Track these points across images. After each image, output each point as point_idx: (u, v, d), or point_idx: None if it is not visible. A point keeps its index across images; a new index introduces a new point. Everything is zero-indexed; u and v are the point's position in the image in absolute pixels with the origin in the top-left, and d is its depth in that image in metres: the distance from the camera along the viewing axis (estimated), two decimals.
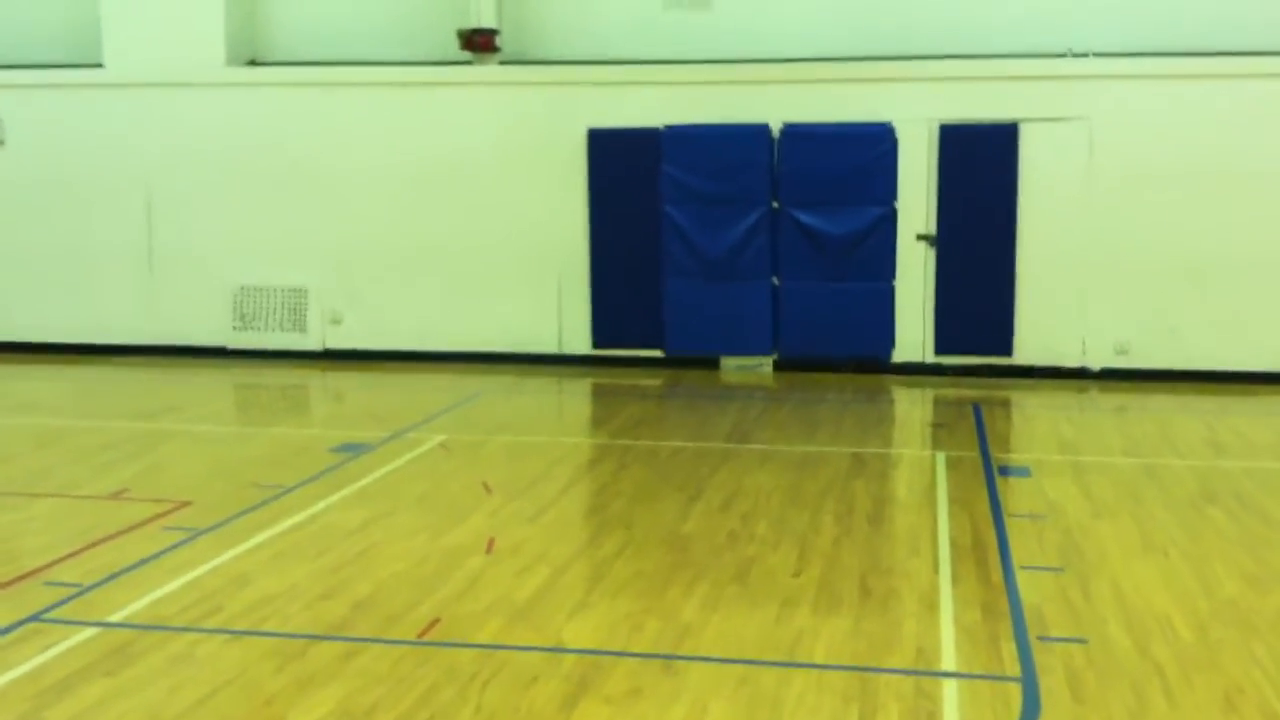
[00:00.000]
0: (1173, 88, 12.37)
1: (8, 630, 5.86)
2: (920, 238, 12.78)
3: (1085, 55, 12.62)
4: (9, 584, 6.50)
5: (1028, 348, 12.72)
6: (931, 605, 6.22)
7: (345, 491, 8.35)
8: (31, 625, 5.93)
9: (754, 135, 12.87)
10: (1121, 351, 12.59)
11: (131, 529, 7.45)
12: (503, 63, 13.47)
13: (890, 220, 12.74)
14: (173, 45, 13.75)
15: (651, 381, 12.70)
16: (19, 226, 14.30)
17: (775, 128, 12.87)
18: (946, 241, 12.74)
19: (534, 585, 6.52)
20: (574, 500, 8.49)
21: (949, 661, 5.54)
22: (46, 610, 6.13)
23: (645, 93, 13.14)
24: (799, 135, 12.80)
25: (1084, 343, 12.68)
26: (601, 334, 13.36)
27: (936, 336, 12.83)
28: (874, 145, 12.71)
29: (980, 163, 12.61)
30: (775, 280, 12.95)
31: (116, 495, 8.29)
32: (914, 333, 12.87)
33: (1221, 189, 12.28)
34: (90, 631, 5.88)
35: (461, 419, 10.82)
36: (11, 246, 14.34)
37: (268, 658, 5.58)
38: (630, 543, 7.29)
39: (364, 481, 8.63)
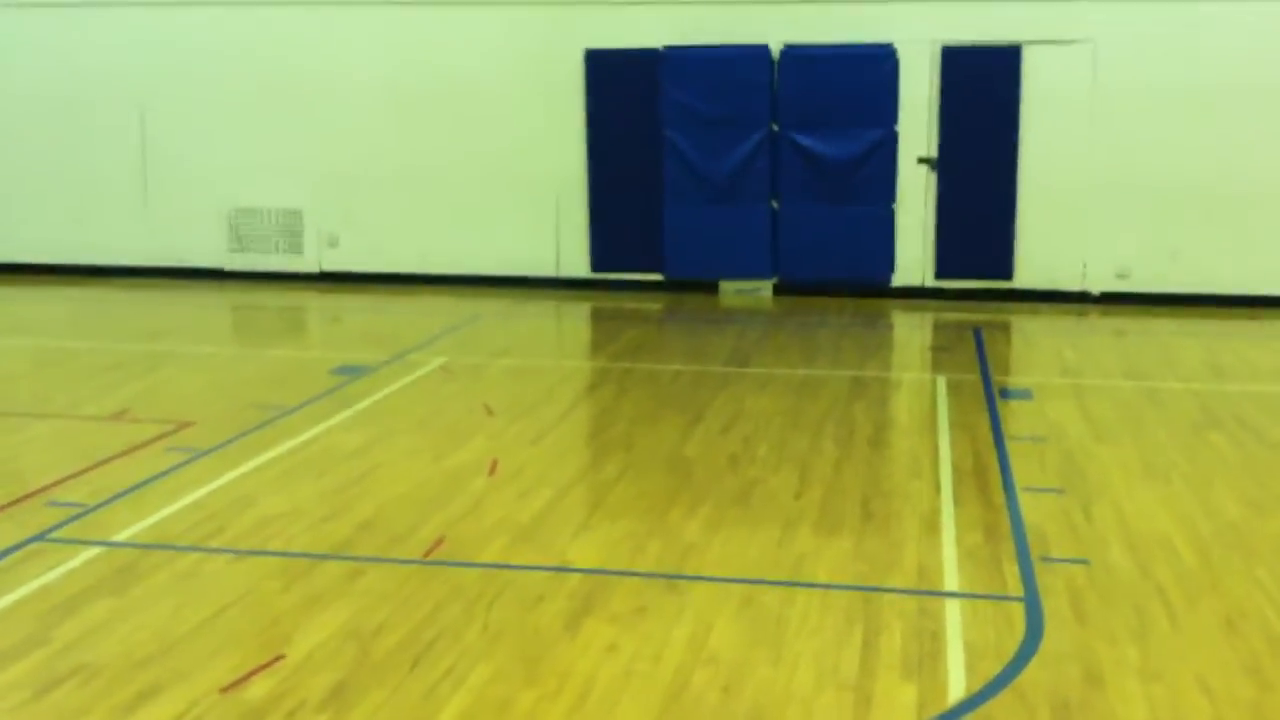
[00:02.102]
0: (1179, 9, 12.23)
1: (13, 550, 5.87)
2: (921, 161, 12.69)
3: None
4: (13, 504, 6.50)
5: (1028, 271, 12.69)
6: (933, 527, 6.25)
7: (346, 413, 8.35)
8: (36, 545, 5.94)
9: (754, 56, 12.74)
10: (1122, 275, 12.56)
11: (134, 449, 7.44)
12: None
13: (891, 143, 12.65)
14: None
15: (650, 305, 12.67)
16: (13, 146, 14.17)
17: (775, 49, 12.74)
18: (947, 165, 12.66)
19: (537, 506, 6.54)
20: (575, 423, 8.50)
21: (951, 582, 5.57)
22: (51, 530, 6.14)
23: (644, 13, 12.98)
24: (799, 57, 12.67)
25: (1085, 266, 12.65)
26: (600, 257, 13.30)
27: (937, 260, 12.79)
28: (875, 67, 12.59)
29: (982, 85, 12.50)
30: (774, 204, 12.88)
31: (118, 416, 8.28)
32: (914, 256, 12.83)
33: (1227, 112, 12.19)
34: (95, 551, 5.89)
35: (461, 342, 10.80)
36: (6, 166, 14.22)
37: (273, 577, 5.60)
38: (631, 465, 7.30)
39: (364, 403, 8.62)
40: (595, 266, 13.33)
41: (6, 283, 13.81)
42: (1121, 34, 12.29)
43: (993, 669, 4.72)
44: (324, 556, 5.83)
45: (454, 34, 13.32)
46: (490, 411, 8.38)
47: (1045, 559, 5.78)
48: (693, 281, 13.16)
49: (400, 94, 13.44)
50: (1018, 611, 5.22)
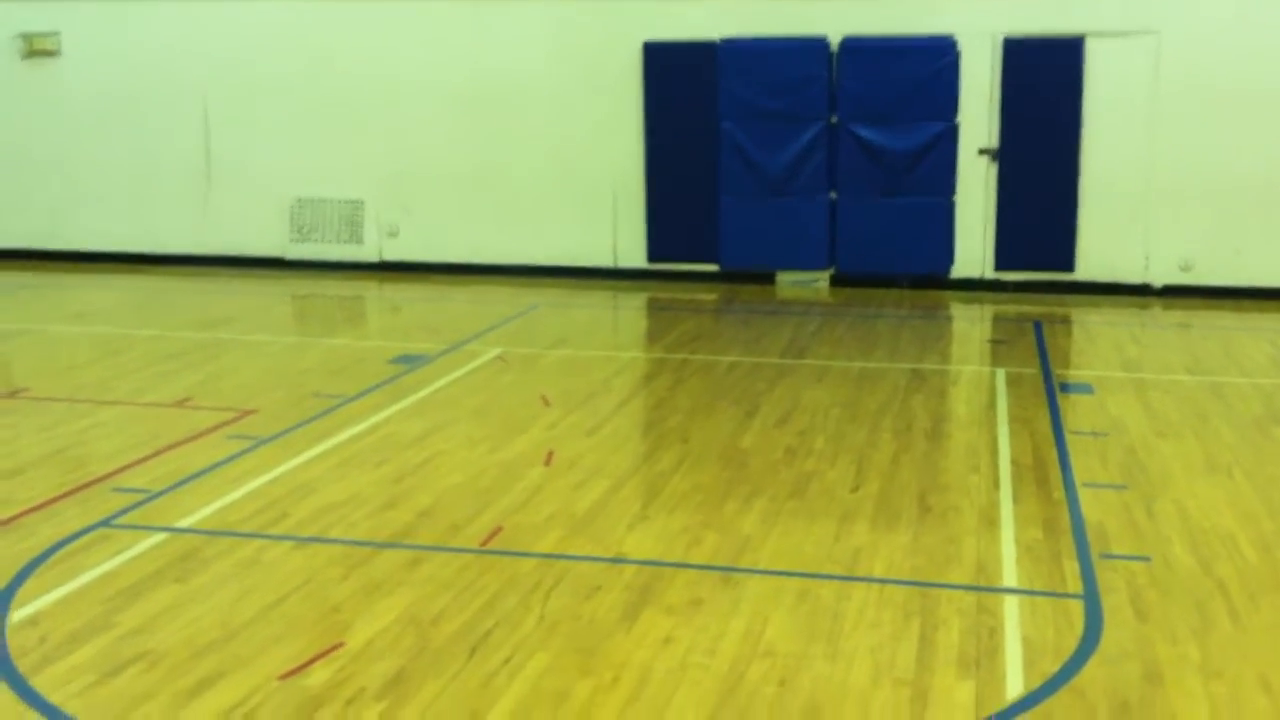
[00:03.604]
0: (1244, 0, 12.05)
1: (79, 535, 5.97)
2: (982, 152, 12.59)
3: None
4: (78, 489, 6.61)
5: (1089, 264, 12.56)
6: (992, 521, 6.21)
7: (405, 402, 8.41)
8: (101, 530, 6.04)
9: (813, 49, 12.68)
10: (1185, 268, 12.41)
11: (196, 437, 7.55)
12: None
13: (951, 135, 12.55)
14: None
15: (707, 296, 12.66)
16: (78, 137, 14.39)
17: (834, 41, 12.67)
18: (1008, 156, 12.55)
19: (593, 497, 6.56)
20: (631, 414, 8.51)
21: (1010, 578, 5.53)
22: (116, 516, 6.24)
23: (702, 5, 12.96)
24: (859, 49, 12.60)
25: (1147, 259, 12.50)
26: (656, 248, 13.31)
27: (997, 252, 12.68)
28: (935, 59, 12.50)
29: (1044, 77, 12.37)
30: (833, 195, 12.82)
31: (181, 403, 8.39)
32: (974, 248, 12.73)
33: None
34: (159, 537, 5.98)
35: (518, 332, 10.85)
36: (71, 157, 14.44)
37: (334, 564, 5.65)
38: (688, 457, 7.31)
39: (423, 393, 8.68)
40: (652, 257, 13.34)
41: (73, 271, 14.03)
42: (1185, 26, 12.12)
43: (1051, 666, 4.68)
44: (384, 545, 5.88)
45: (513, 27, 13.36)
46: (547, 402, 8.42)
47: (1105, 555, 5.73)
48: (749, 272, 13.14)
49: (460, 86, 13.50)
50: (1077, 608, 5.18)
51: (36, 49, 14.33)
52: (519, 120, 13.42)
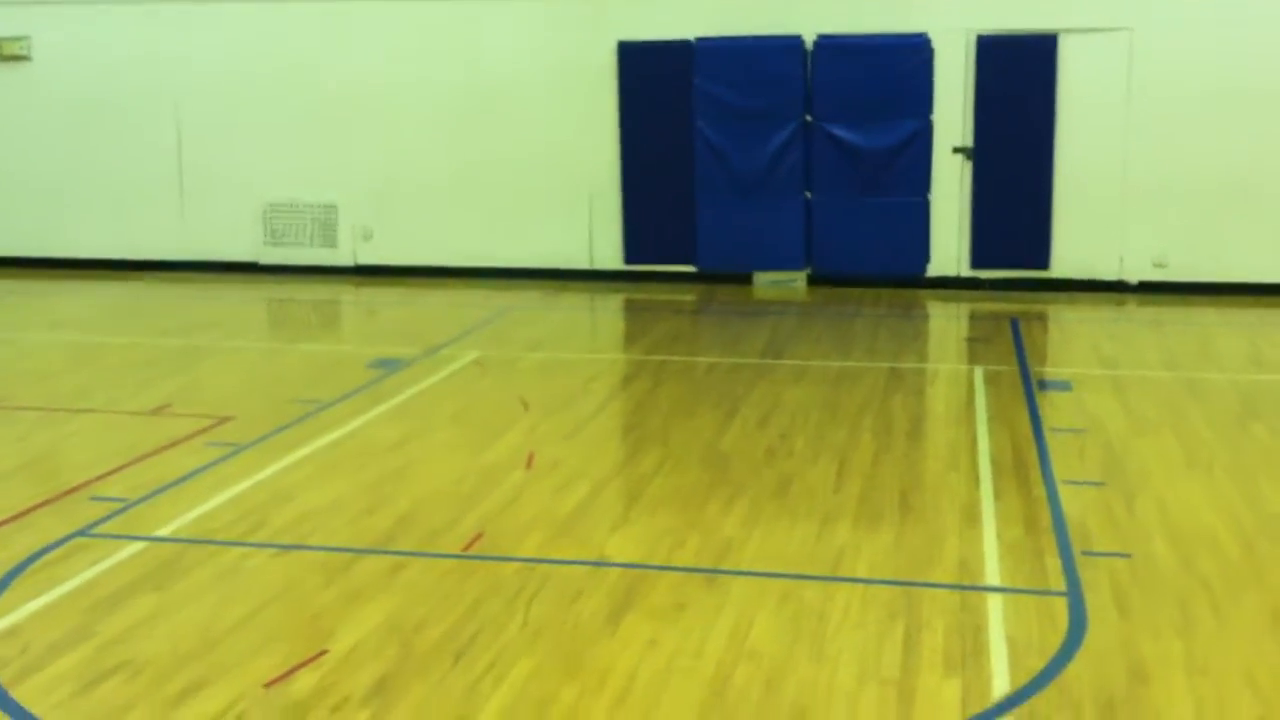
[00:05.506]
0: None
1: (56, 545, 5.92)
2: (956, 150, 12.63)
3: None
4: (55, 499, 6.56)
5: (1065, 261, 12.60)
6: (973, 520, 6.22)
7: (382, 407, 8.37)
8: (79, 540, 5.99)
9: (787, 48, 12.69)
10: (1160, 264, 12.46)
11: (174, 444, 7.49)
12: None
13: (926, 133, 12.58)
14: None
15: (684, 297, 12.65)
16: (50, 144, 14.28)
17: (809, 40, 12.69)
18: (983, 154, 12.58)
19: (574, 501, 6.54)
20: (611, 417, 8.50)
21: (993, 576, 5.54)
22: (93, 525, 6.19)
23: (677, 4, 12.96)
24: (833, 47, 12.62)
25: (1122, 256, 12.55)
26: (633, 250, 13.29)
27: (972, 250, 12.71)
28: (909, 57, 12.53)
29: (1018, 75, 12.42)
30: (808, 195, 12.83)
31: (158, 411, 8.33)
32: (949, 247, 12.76)
33: (1265, 101, 12.06)
34: (137, 546, 5.93)
35: (495, 335, 10.82)
36: (43, 164, 14.33)
37: (314, 572, 5.62)
38: (668, 458, 7.30)
39: (401, 398, 8.65)
40: (628, 259, 13.32)
41: (47, 278, 13.92)
42: (1158, 22, 12.18)
43: (1036, 664, 4.69)
44: (364, 551, 5.85)
45: (486, 27, 13.33)
46: (526, 405, 8.39)
47: (1087, 553, 5.75)
48: (726, 273, 13.14)
49: (433, 87, 13.46)
50: (1060, 606, 5.19)
51: (6, 54, 14.21)
52: (493, 122, 13.39)
